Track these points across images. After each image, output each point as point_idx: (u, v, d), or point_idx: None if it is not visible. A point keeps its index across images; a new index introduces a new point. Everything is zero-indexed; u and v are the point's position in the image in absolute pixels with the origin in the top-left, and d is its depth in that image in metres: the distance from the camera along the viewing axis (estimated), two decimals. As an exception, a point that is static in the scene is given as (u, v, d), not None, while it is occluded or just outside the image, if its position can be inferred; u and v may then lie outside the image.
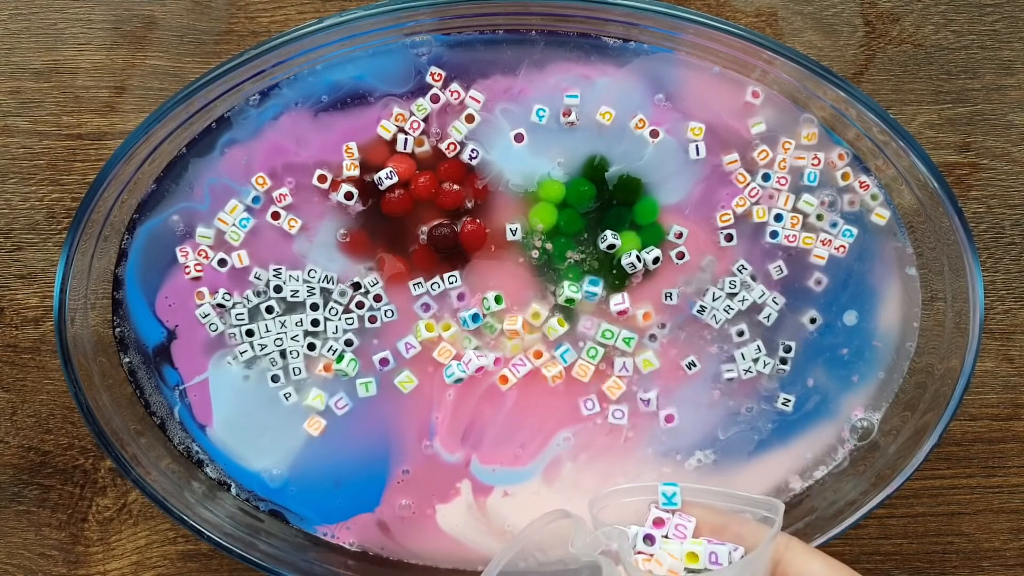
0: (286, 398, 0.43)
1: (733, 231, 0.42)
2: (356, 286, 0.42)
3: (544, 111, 0.41)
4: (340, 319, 0.42)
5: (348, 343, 0.42)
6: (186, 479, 0.42)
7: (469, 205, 0.42)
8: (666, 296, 0.42)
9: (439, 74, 0.41)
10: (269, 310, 0.42)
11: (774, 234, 0.43)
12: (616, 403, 0.43)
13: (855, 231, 0.42)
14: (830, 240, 0.43)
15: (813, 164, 0.42)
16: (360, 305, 0.42)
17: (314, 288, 0.42)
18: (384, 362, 0.42)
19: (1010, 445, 0.46)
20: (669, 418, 0.43)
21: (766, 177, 0.42)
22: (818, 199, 0.42)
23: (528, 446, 0.43)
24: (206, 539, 0.40)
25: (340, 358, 0.42)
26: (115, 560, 0.45)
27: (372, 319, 0.42)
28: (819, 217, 0.42)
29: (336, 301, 0.42)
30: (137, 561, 0.45)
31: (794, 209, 0.42)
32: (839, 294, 0.43)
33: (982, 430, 0.46)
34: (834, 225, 0.42)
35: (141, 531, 0.45)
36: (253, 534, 0.42)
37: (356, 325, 0.42)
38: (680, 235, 0.42)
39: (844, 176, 0.42)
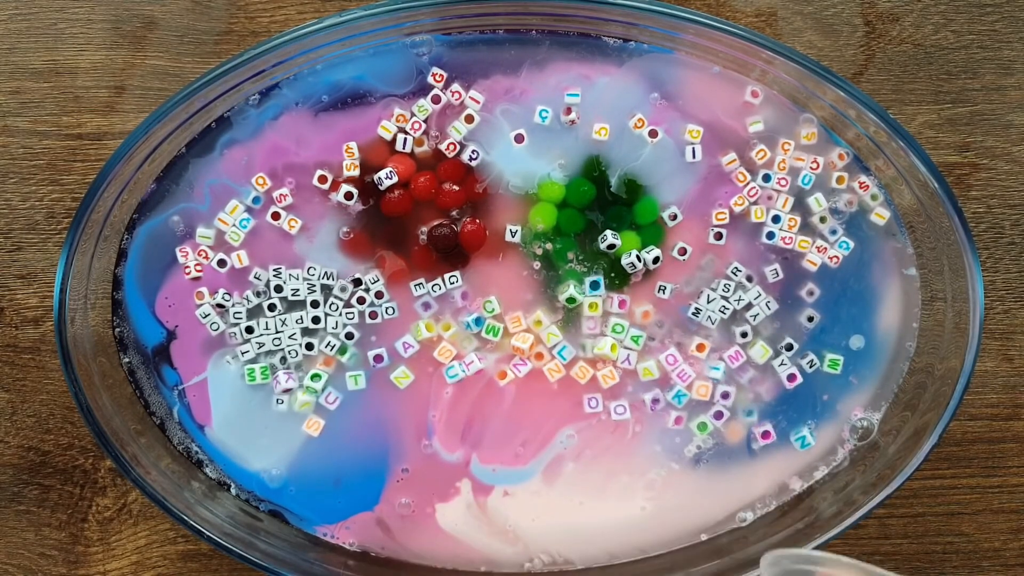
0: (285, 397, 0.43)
1: (724, 230, 0.42)
2: (357, 282, 0.42)
3: (547, 112, 0.41)
4: (341, 314, 0.42)
5: (349, 336, 0.42)
6: (186, 479, 0.42)
7: (455, 213, 0.42)
8: (659, 289, 0.42)
9: (440, 75, 0.41)
10: (271, 308, 0.42)
11: (770, 235, 0.42)
12: (616, 399, 0.43)
13: (851, 244, 0.42)
14: (825, 248, 0.43)
15: (811, 168, 0.42)
16: (361, 300, 0.42)
17: (314, 285, 0.42)
18: (378, 359, 0.42)
19: (1010, 445, 0.46)
20: (679, 420, 0.43)
21: (767, 178, 0.42)
22: (829, 202, 0.42)
23: (529, 445, 0.43)
24: (206, 539, 0.40)
25: (343, 350, 0.42)
26: (115, 560, 0.45)
27: (373, 315, 0.42)
28: (822, 219, 0.42)
29: (337, 296, 0.42)
30: (137, 561, 0.45)
31: (801, 208, 0.42)
32: (839, 296, 0.43)
33: (982, 430, 0.46)
34: (833, 232, 0.42)
35: (141, 531, 0.45)
36: (253, 534, 0.42)
37: (357, 320, 0.42)
38: (674, 216, 0.42)
39: (839, 180, 0.42)
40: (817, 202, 0.42)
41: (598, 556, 0.44)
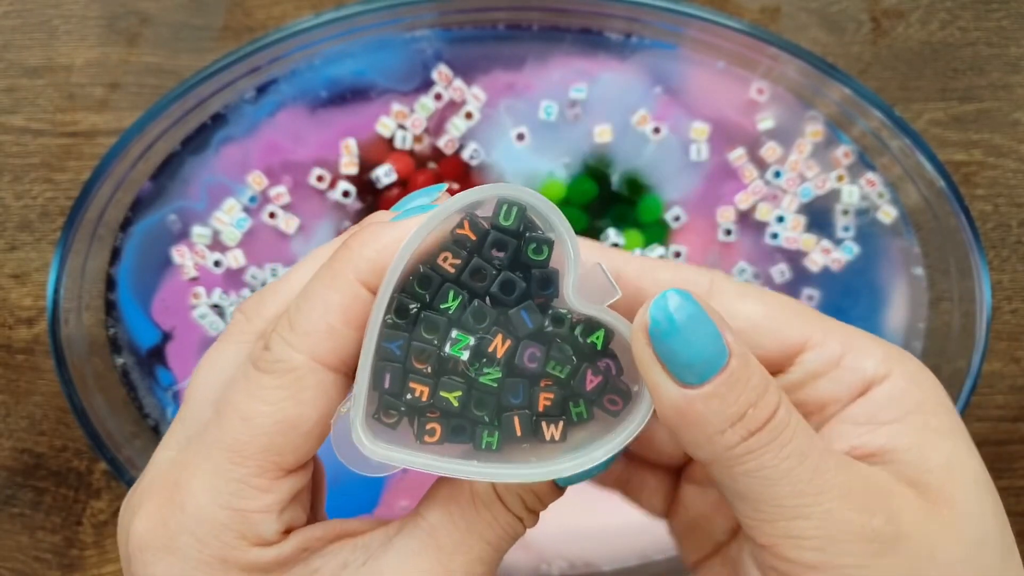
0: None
1: (732, 226, 0.42)
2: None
3: (552, 108, 0.41)
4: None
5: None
6: (181, 482, 0.42)
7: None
8: None
9: (444, 73, 0.41)
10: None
11: (775, 236, 0.42)
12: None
13: (857, 249, 0.42)
14: (830, 250, 0.42)
15: (817, 186, 0.42)
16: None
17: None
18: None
19: (1017, 447, 0.45)
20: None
21: (777, 174, 0.42)
22: (860, 200, 0.42)
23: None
24: (201, 543, 0.40)
25: None
26: (110, 564, 0.44)
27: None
28: (845, 212, 0.42)
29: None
30: (132, 565, 0.44)
31: (811, 209, 0.42)
32: (845, 296, 0.43)
33: (989, 432, 0.45)
34: (847, 229, 0.42)
35: (136, 534, 0.44)
36: (249, 538, 0.41)
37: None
38: (677, 218, 0.42)
39: (839, 178, 0.42)
40: (850, 194, 0.42)
41: (627, 557, 0.43)
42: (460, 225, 0.22)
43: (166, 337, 0.42)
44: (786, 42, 0.39)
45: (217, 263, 0.41)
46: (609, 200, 0.42)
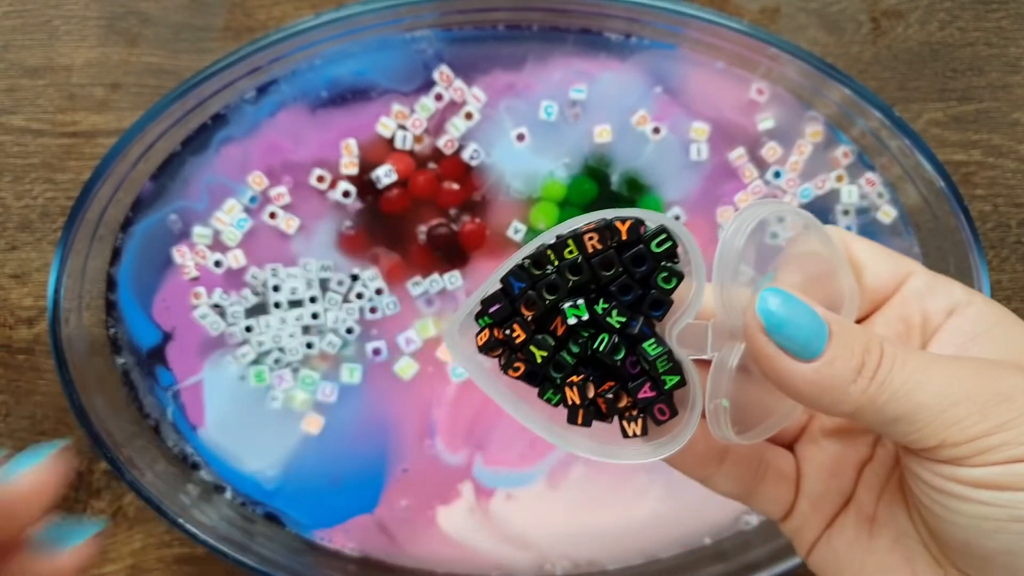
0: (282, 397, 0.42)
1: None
2: (354, 277, 0.42)
3: (552, 108, 0.41)
4: (341, 308, 0.42)
5: (349, 331, 0.42)
6: (181, 482, 0.42)
7: (453, 212, 0.41)
8: None
9: (445, 73, 0.41)
10: (276, 305, 0.42)
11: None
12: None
13: None
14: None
15: (817, 186, 0.42)
16: (360, 296, 0.42)
17: (312, 281, 0.42)
18: (376, 352, 0.42)
19: (1016, 447, 0.45)
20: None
21: (777, 175, 0.42)
22: (860, 199, 0.42)
23: (537, 445, 0.43)
24: (201, 542, 0.40)
25: (345, 345, 0.42)
26: (110, 564, 0.44)
27: (373, 309, 0.42)
28: (845, 212, 0.42)
29: (335, 291, 0.42)
30: (132, 564, 0.44)
31: (816, 206, 0.42)
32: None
33: (988, 431, 0.45)
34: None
35: (136, 534, 0.44)
36: (249, 538, 0.42)
37: (357, 316, 0.42)
38: (677, 218, 0.42)
39: (839, 178, 0.42)
40: (849, 194, 0.42)
41: (632, 557, 0.43)
42: (612, 226, 0.24)
43: (167, 337, 0.42)
44: (785, 42, 0.39)
45: (218, 263, 0.41)
46: (609, 200, 0.42)
